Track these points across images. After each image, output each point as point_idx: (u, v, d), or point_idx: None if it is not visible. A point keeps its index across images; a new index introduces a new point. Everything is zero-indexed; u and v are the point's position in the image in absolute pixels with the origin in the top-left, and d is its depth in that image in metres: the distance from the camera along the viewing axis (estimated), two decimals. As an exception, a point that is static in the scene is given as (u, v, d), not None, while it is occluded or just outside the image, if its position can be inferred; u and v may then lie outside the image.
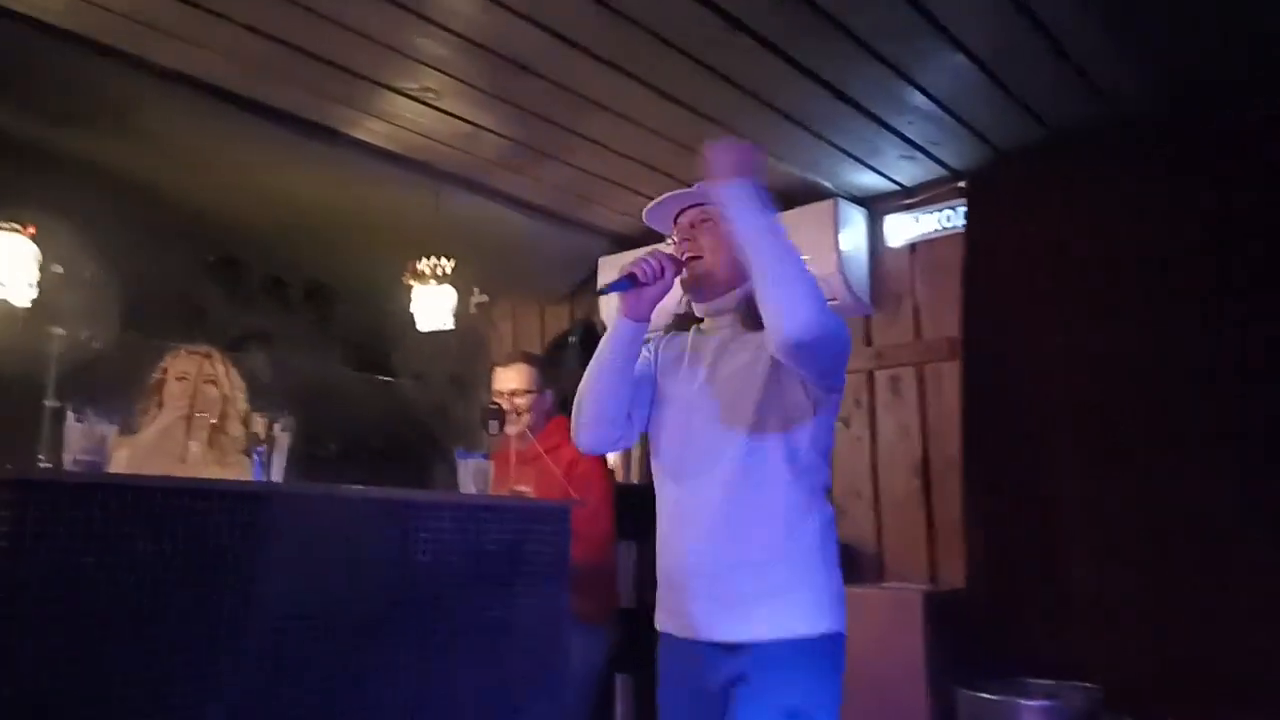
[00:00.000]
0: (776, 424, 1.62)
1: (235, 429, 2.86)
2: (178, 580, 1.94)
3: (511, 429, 2.80)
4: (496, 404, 2.78)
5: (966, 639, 3.00)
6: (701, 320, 1.80)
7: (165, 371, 2.77)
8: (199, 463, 2.79)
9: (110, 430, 2.23)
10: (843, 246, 3.58)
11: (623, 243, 4.13)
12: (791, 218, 3.59)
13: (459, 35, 2.57)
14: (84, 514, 1.84)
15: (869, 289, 3.66)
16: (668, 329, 1.87)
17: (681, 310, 1.83)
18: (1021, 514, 3.10)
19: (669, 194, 1.77)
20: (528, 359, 3.01)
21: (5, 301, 2.72)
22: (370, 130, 3.13)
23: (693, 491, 1.65)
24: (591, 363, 1.74)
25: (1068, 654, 2.88)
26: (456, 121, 3.06)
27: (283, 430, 2.63)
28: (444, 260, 3.27)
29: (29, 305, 2.77)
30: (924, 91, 2.89)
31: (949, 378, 3.41)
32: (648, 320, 1.71)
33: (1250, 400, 2.72)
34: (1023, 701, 2.69)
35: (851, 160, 3.39)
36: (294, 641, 2.03)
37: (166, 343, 2.86)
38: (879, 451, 3.59)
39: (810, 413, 1.64)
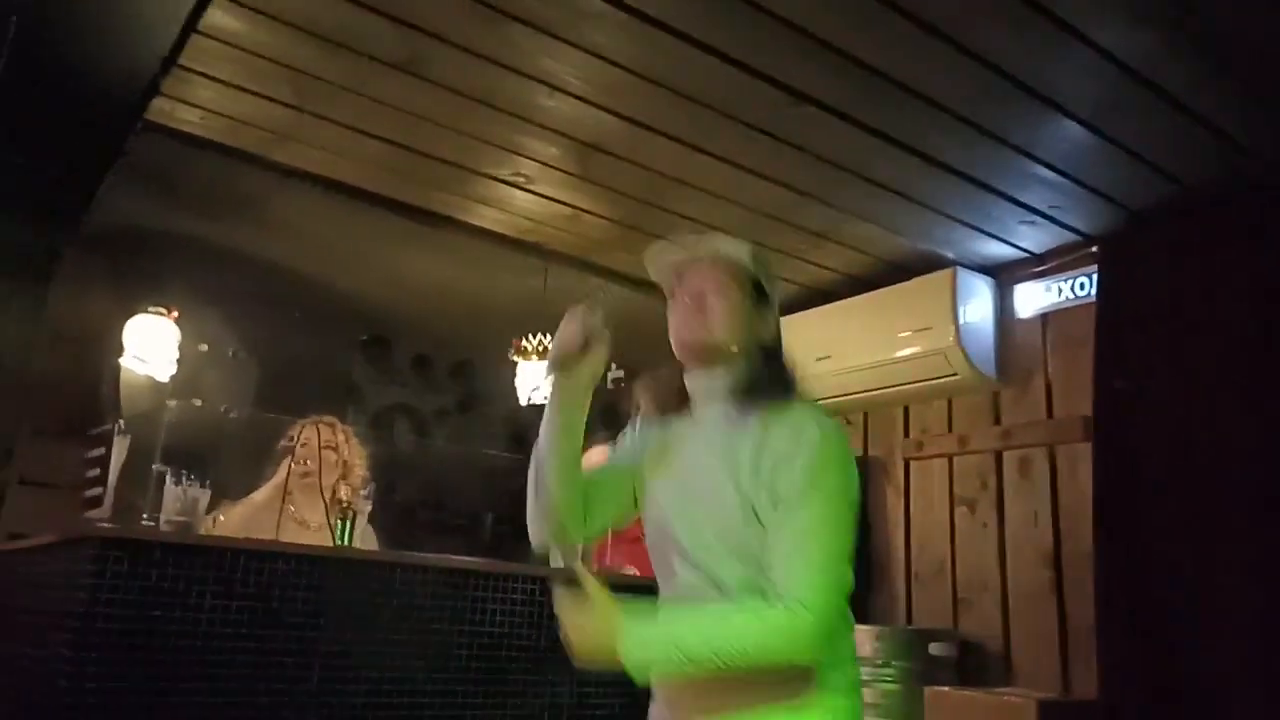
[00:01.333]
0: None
1: (349, 493, 3.03)
2: (243, 633, 2.09)
3: None
4: None
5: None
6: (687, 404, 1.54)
7: (293, 439, 2.97)
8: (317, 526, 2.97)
9: (203, 494, 2.44)
10: (965, 318, 3.37)
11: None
12: (910, 289, 3.49)
13: (543, 126, 2.70)
14: (158, 569, 2.03)
15: (995, 362, 3.41)
16: (647, 413, 1.61)
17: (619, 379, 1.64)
18: (1164, 619, 2.74)
19: (678, 241, 1.54)
20: (607, 440, 3.00)
21: (150, 376, 3.06)
22: (481, 215, 3.31)
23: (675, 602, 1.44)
24: (538, 440, 1.49)
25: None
26: (555, 205, 3.18)
27: (366, 498, 2.78)
28: (546, 336, 3.38)
29: (168, 380, 3.10)
30: (1028, 154, 2.70)
31: (1083, 460, 3.09)
32: (581, 386, 1.45)
33: None
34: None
35: (968, 228, 3.21)
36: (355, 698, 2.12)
37: (294, 416, 3.09)
38: (1006, 539, 3.29)
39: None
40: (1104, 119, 2.52)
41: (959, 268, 3.41)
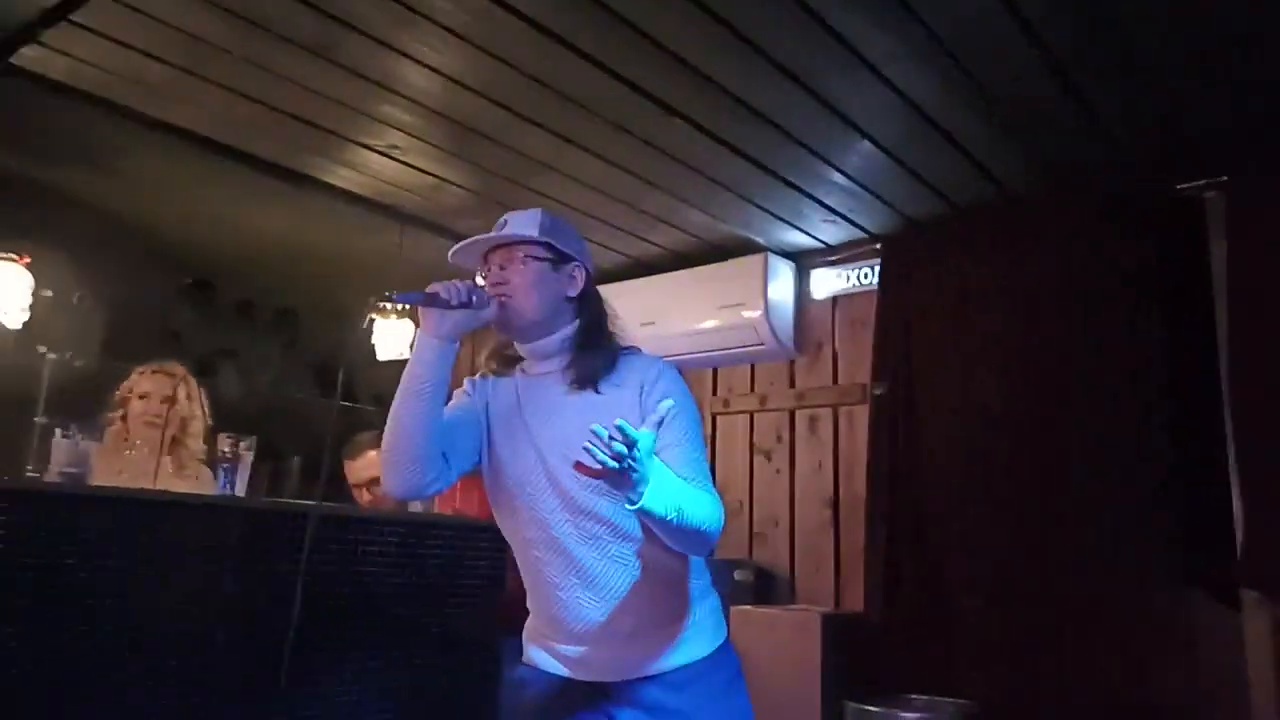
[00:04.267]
0: None
1: (195, 444, 3.11)
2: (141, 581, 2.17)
3: None
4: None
5: (860, 658, 3.36)
6: (522, 360, 1.76)
7: (130, 390, 2.97)
8: (164, 476, 3.03)
9: (92, 446, 2.50)
10: (771, 296, 3.94)
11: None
12: (726, 269, 4.01)
13: (420, 104, 2.90)
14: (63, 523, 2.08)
15: (794, 335, 4.03)
16: (486, 370, 1.80)
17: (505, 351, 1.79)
18: (914, 547, 3.47)
19: (480, 236, 1.70)
20: (378, 442, 3.20)
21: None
22: (342, 178, 3.45)
23: (557, 550, 1.64)
24: (398, 394, 1.61)
25: (948, 674, 3.26)
26: (421, 174, 3.38)
27: (247, 449, 2.91)
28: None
29: (21, 328, 3.03)
30: (840, 170, 3.25)
31: (861, 420, 3.78)
32: (454, 343, 1.61)
33: (1121, 448, 3.09)
34: (902, 714, 3.05)
35: (780, 222, 3.75)
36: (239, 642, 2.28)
37: (137, 364, 3.09)
38: (796, 484, 3.95)
39: None
40: (894, 144, 3.08)
41: (769, 253, 3.97)
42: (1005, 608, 3.20)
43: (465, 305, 1.59)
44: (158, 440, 2.96)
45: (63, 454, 2.40)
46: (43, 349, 3.07)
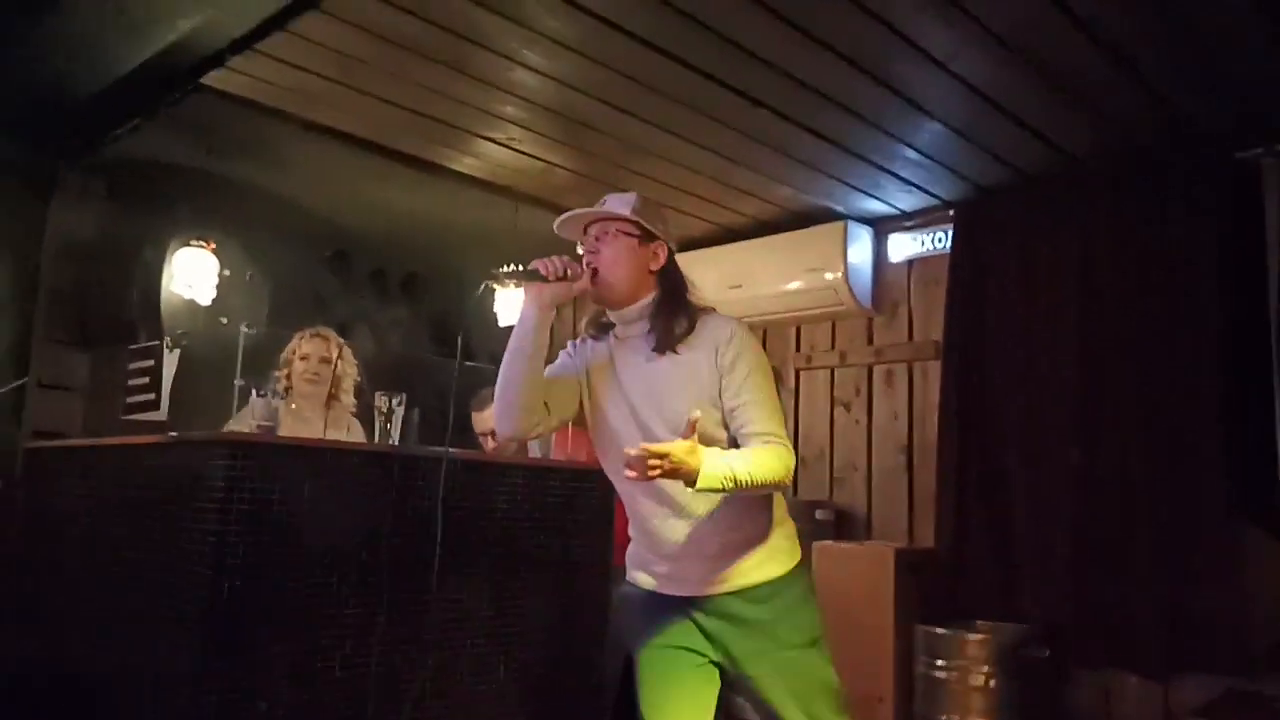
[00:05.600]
0: (711, 427, 1.85)
1: (347, 399, 3.63)
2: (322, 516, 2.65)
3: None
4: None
5: (931, 588, 3.73)
6: (614, 326, 1.99)
7: (293, 352, 3.47)
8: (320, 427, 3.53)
9: (281, 404, 3.03)
10: (850, 259, 4.26)
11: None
12: (809, 235, 4.35)
13: (533, 102, 3.32)
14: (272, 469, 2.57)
15: (871, 296, 4.35)
16: (585, 335, 2.05)
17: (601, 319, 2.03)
18: (981, 488, 3.80)
19: (579, 210, 1.95)
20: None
21: (194, 301, 3.56)
22: (467, 165, 3.91)
23: (650, 485, 1.81)
24: (506, 353, 1.86)
25: (1010, 601, 3.61)
26: (533, 160, 3.82)
27: (399, 404, 3.41)
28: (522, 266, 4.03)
29: (209, 304, 3.61)
30: (912, 146, 3.54)
31: (934, 374, 4.09)
32: (552, 312, 1.86)
33: (1176, 392, 3.33)
34: (966, 635, 3.42)
35: (858, 192, 4.06)
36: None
37: (296, 330, 3.60)
38: (873, 433, 4.30)
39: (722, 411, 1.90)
40: (961, 124, 3.35)
41: (849, 220, 4.28)
42: (1066, 540, 3.50)
43: (561, 278, 1.84)
44: (319, 396, 3.49)
45: (260, 410, 2.95)
46: (224, 319, 3.63)
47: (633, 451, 1.66)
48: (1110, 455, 3.45)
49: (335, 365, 3.55)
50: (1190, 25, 2.68)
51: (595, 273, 1.90)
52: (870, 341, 4.39)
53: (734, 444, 1.88)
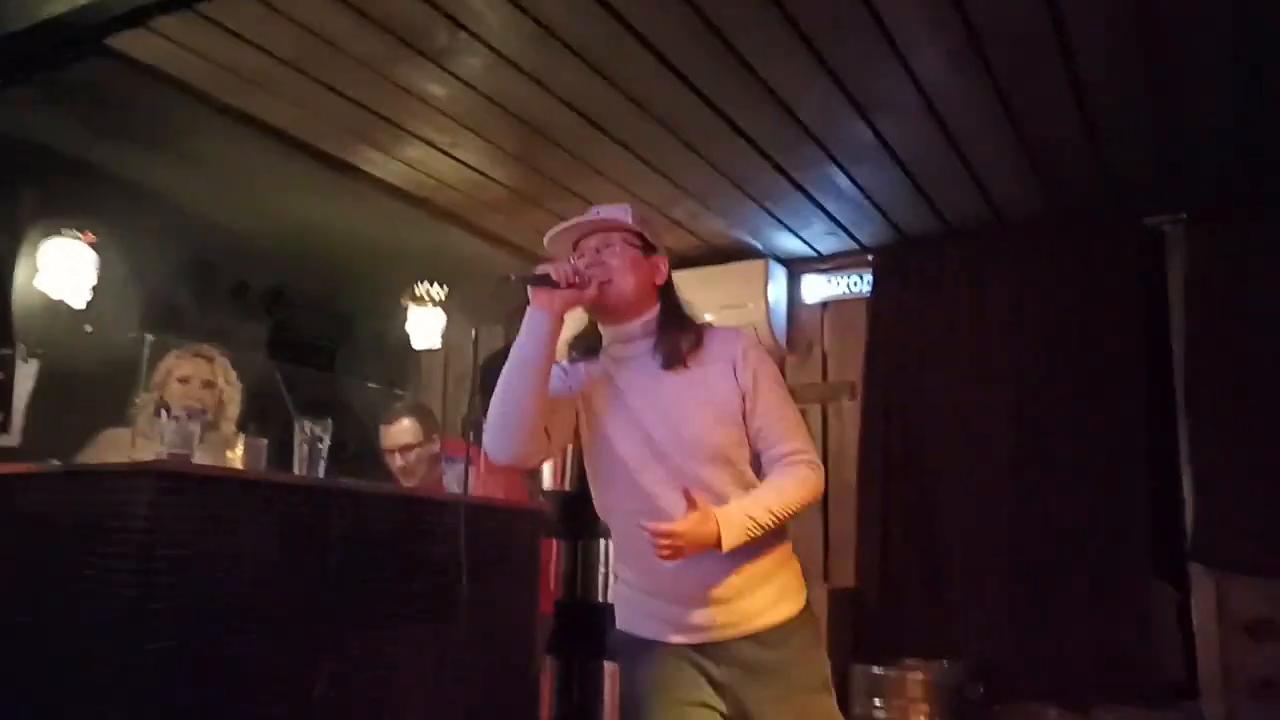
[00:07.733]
0: (732, 446, 1.80)
1: (228, 427, 3.16)
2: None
3: (408, 483, 3.17)
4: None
5: (859, 626, 3.73)
6: (602, 346, 1.89)
7: (168, 372, 2.97)
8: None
9: (197, 428, 2.56)
10: (770, 297, 4.26)
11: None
12: (731, 270, 4.30)
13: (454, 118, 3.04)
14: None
15: (786, 335, 4.36)
16: (572, 356, 1.93)
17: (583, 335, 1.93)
18: (906, 526, 3.87)
19: (580, 219, 1.84)
20: (412, 411, 3.29)
21: (60, 303, 2.94)
22: (391, 172, 3.53)
23: (661, 519, 1.71)
24: (508, 366, 1.71)
25: (939, 638, 3.67)
26: (467, 169, 3.52)
27: (322, 431, 2.99)
28: (439, 286, 3.69)
29: (84, 307, 2.99)
30: (849, 175, 3.50)
31: (849, 415, 4.15)
32: (560, 320, 1.73)
33: (1095, 436, 3.53)
34: (906, 675, 3.43)
35: (784, 229, 4.06)
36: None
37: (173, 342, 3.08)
38: (788, 472, 4.28)
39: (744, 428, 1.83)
40: (914, 162, 3.39)
41: (769, 259, 4.28)
42: (997, 578, 3.61)
43: (571, 285, 1.73)
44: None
45: (170, 435, 2.46)
46: (89, 328, 3.05)
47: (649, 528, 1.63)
48: (1041, 496, 3.61)
49: (215, 387, 3.10)
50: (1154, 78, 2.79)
51: (607, 283, 1.78)
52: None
53: (757, 459, 1.83)
